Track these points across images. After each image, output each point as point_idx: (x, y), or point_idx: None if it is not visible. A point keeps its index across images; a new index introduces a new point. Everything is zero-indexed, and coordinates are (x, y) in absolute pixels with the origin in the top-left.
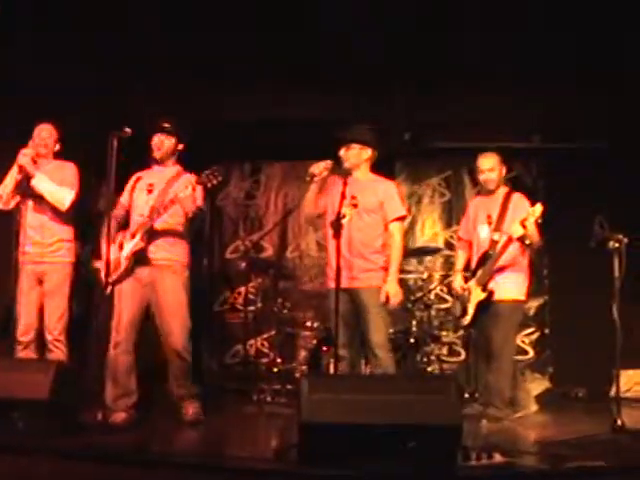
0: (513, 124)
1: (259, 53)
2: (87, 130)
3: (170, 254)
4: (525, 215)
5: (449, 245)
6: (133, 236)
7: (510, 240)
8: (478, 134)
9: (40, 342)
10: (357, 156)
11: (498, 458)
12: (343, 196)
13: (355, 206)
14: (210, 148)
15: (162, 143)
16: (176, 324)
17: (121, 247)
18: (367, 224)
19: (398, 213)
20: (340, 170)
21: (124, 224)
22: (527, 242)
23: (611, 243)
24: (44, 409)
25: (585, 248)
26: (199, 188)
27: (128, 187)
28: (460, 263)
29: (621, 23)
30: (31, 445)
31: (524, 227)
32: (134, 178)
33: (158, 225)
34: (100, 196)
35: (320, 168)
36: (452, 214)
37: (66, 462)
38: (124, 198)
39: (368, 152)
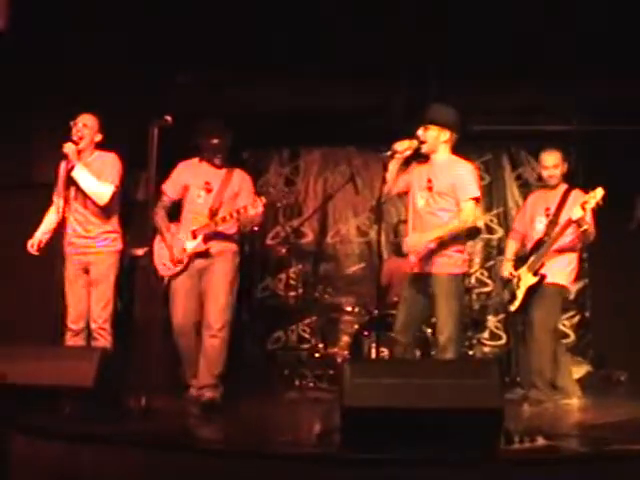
0: (551, 107)
1: (299, 43)
2: (129, 118)
3: (224, 245)
4: (586, 198)
5: (489, 229)
6: (194, 236)
7: (567, 225)
8: (517, 118)
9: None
10: (436, 138)
11: (540, 441)
12: (384, 181)
13: (430, 189)
14: (249, 134)
15: (219, 148)
16: (218, 304)
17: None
18: (441, 207)
19: (470, 194)
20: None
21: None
22: (584, 227)
23: None
24: (89, 396)
25: (625, 231)
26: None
27: (174, 179)
28: (510, 252)
29: None
30: (76, 431)
31: (584, 210)
32: (180, 170)
33: (220, 228)
34: (139, 185)
35: (404, 146)
36: (492, 198)
37: (111, 448)
38: (171, 190)
39: (447, 134)
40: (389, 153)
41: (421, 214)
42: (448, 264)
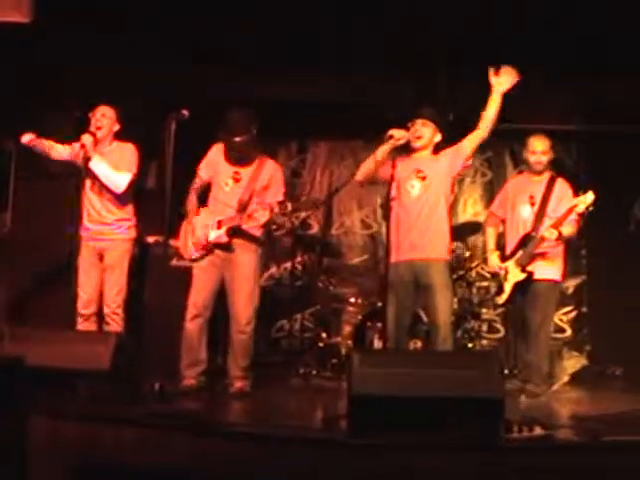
0: (554, 106)
1: (310, 36)
2: (145, 109)
3: (248, 237)
4: (576, 201)
5: None
6: (219, 226)
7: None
8: (519, 116)
9: (100, 315)
10: (431, 135)
11: (538, 431)
12: (392, 179)
13: (423, 178)
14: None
15: (242, 146)
16: (243, 298)
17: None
18: (436, 197)
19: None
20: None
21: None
22: (560, 237)
23: None
24: (105, 379)
25: (623, 229)
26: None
27: (209, 161)
28: (492, 242)
29: None
30: (94, 412)
31: (558, 231)
32: (214, 152)
33: (245, 226)
34: (149, 174)
35: (401, 134)
36: (493, 194)
37: (129, 429)
38: (204, 173)
39: (438, 136)
40: (385, 136)
41: (414, 204)
42: (442, 249)
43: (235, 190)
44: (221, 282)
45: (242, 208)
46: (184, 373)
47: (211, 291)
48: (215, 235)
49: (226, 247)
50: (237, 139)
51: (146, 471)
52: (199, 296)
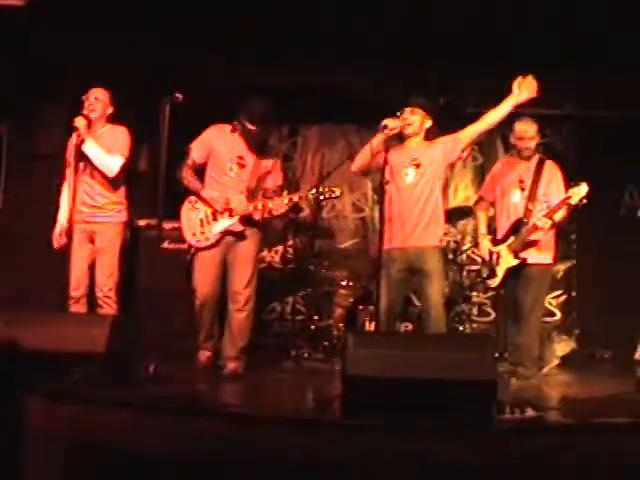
0: (546, 90)
1: (300, 20)
2: (138, 94)
3: (251, 222)
4: (569, 193)
5: None
6: (231, 214)
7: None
8: None
9: (90, 298)
10: (421, 122)
11: (530, 412)
12: (386, 162)
13: (417, 166)
14: None
15: (255, 135)
16: (243, 278)
17: (214, 216)
18: (430, 184)
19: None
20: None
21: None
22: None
23: None
24: (101, 362)
25: (613, 214)
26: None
27: (204, 142)
28: (483, 227)
29: None
30: (90, 395)
31: (551, 220)
32: (211, 134)
33: (257, 216)
34: (140, 157)
35: (395, 123)
36: (484, 178)
37: (125, 412)
38: (198, 153)
39: (429, 122)
40: (380, 126)
41: (409, 191)
42: (435, 236)
43: (241, 176)
44: (223, 265)
45: (251, 195)
46: (201, 346)
47: (215, 276)
48: (228, 224)
49: (237, 235)
50: (253, 127)
51: (141, 453)
52: (204, 284)
